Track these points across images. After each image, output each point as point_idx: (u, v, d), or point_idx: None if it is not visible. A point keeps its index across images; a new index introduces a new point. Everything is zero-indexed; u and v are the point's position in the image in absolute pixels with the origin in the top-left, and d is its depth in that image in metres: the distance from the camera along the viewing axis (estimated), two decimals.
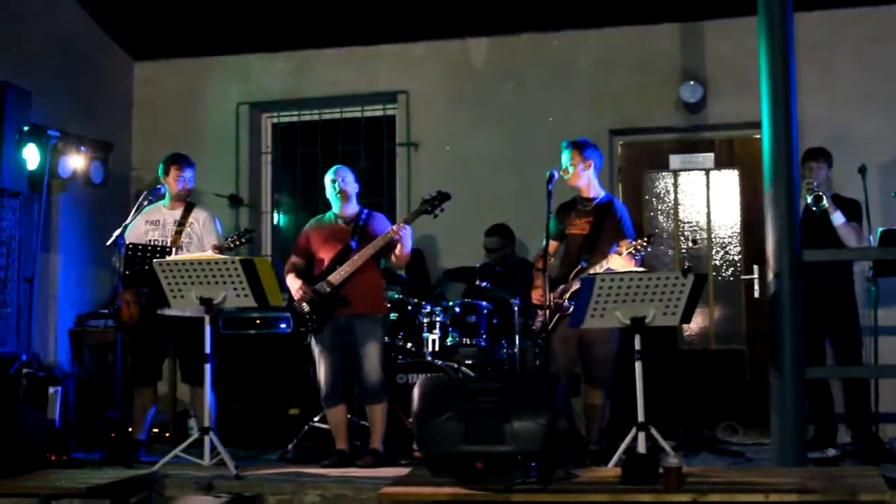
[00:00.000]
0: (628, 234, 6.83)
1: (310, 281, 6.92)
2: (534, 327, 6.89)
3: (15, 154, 7.96)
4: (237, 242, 7.03)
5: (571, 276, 6.69)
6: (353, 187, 7.10)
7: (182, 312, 6.96)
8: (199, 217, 7.35)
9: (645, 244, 6.55)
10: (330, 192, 7.08)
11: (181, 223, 7.28)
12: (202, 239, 7.24)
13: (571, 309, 6.48)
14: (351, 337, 6.81)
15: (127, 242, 7.04)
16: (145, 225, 7.25)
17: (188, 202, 7.42)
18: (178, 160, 7.37)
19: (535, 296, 6.78)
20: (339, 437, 6.94)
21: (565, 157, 6.85)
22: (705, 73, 8.74)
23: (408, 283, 7.93)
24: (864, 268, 7.44)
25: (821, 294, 6.77)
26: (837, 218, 7.01)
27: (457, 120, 9.30)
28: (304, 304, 6.86)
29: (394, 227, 6.81)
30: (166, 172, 7.35)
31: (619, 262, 6.48)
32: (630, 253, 6.53)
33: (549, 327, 6.65)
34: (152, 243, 7.06)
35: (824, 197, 6.98)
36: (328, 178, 7.10)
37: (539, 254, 6.79)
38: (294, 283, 6.94)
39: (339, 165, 7.25)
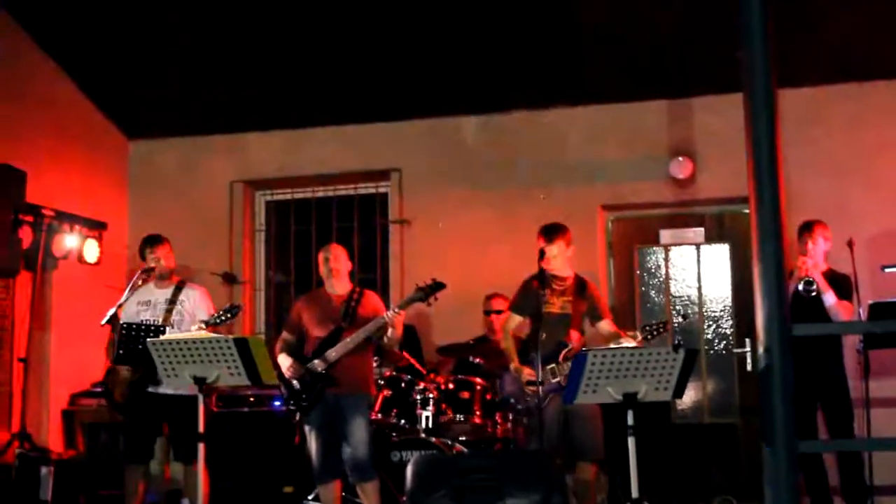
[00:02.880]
0: (605, 313, 7.01)
1: (300, 358, 6.94)
2: (519, 406, 6.88)
3: (9, 234, 8.01)
4: (223, 318, 7.06)
5: (562, 356, 6.71)
6: (345, 265, 7.16)
7: (173, 391, 6.99)
8: (189, 295, 7.39)
9: (662, 330, 6.65)
10: (323, 269, 7.14)
11: (171, 301, 7.32)
12: (193, 316, 7.27)
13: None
14: (339, 415, 6.82)
15: (121, 322, 7.08)
16: (137, 306, 7.28)
17: (179, 280, 7.47)
18: (150, 242, 7.44)
19: (527, 373, 6.80)
20: None
21: (557, 248, 6.88)
22: (694, 148, 8.84)
23: (401, 360, 7.94)
24: (854, 340, 7.46)
25: (811, 368, 6.79)
26: (829, 298, 6.98)
27: (449, 197, 9.37)
28: (295, 381, 6.88)
29: (388, 314, 6.84)
30: (143, 257, 7.43)
31: (632, 344, 6.55)
32: (645, 338, 6.63)
33: (544, 405, 6.68)
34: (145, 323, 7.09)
35: (815, 282, 6.95)
36: (321, 256, 7.17)
37: (508, 333, 6.92)
38: (285, 361, 6.96)
39: (331, 243, 7.33)
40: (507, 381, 7.04)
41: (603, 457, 6.84)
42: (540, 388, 6.66)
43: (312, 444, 6.90)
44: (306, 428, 6.96)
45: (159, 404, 7.11)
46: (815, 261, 7.10)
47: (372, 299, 7.17)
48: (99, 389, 8.44)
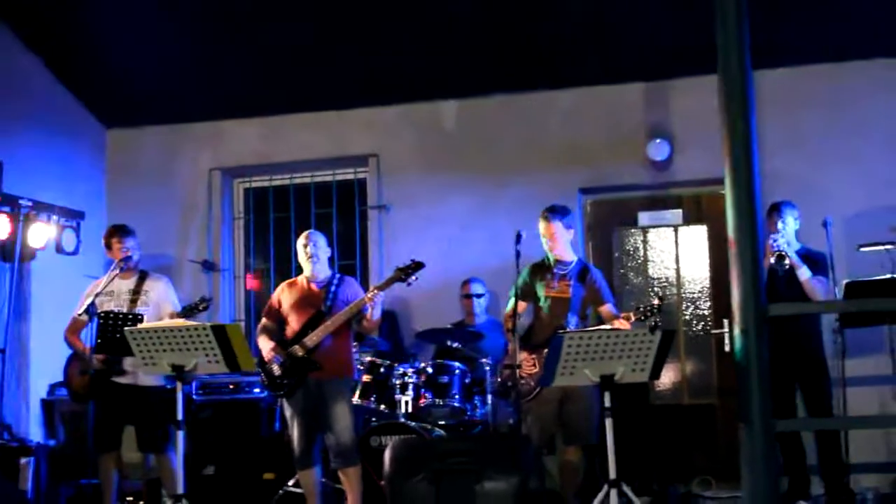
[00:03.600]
0: (608, 298, 6.99)
1: (280, 344, 6.94)
2: (514, 390, 6.91)
3: None
4: (195, 311, 7.07)
5: None
6: (324, 252, 7.16)
7: (135, 381, 7.03)
8: (154, 285, 7.40)
9: (655, 310, 6.66)
10: (301, 256, 7.14)
11: (136, 291, 7.32)
12: (158, 306, 7.27)
13: None
14: (321, 400, 6.84)
15: (80, 313, 7.10)
16: (100, 296, 7.26)
17: (141, 271, 7.47)
18: (117, 232, 7.46)
19: (521, 358, 6.81)
20: (312, 500, 6.93)
21: (554, 227, 6.91)
22: (672, 130, 8.85)
23: (381, 346, 7.96)
24: (830, 320, 7.52)
25: (790, 347, 6.83)
26: (803, 273, 7.07)
27: (428, 181, 9.36)
28: (275, 367, 6.88)
29: (367, 295, 6.86)
30: (108, 246, 7.44)
31: (626, 326, 6.57)
32: (639, 319, 6.64)
33: (535, 391, 6.70)
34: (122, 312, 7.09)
35: (787, 256, 7.03)
36: (300, 242, 7.17)
37: (508, 315, 6.88)
38: (266, 346, 6.97)
39: (310, 230, 7.33)
40: (505, 366, 7.06)
41: (595, 442, 6.78)
42: (534, 371, 6.71)
43: (293, 431, 6.91)
44: (287, 413, 6.97)
45: (123, 394, 7.12)
46: (786, 239, 7.16)
47: (352, 286, 7.19)
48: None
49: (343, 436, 6.82)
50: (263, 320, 7.23)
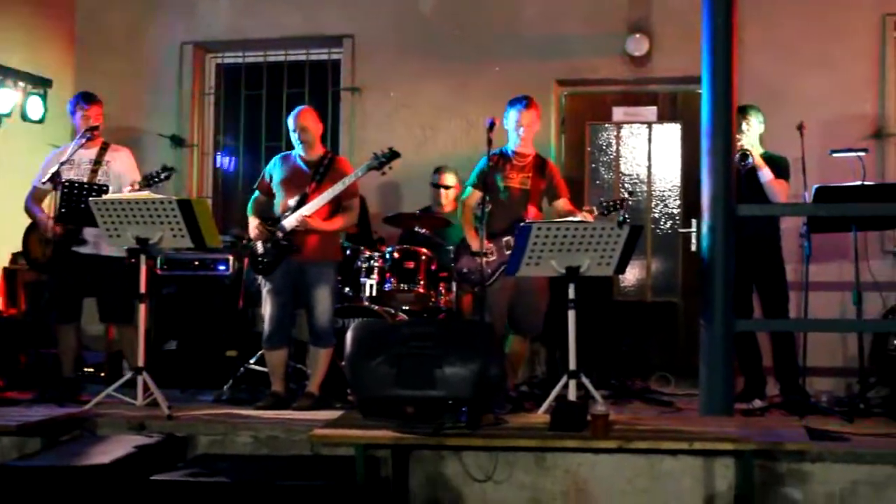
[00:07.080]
0: (563, 192, 7.07)
1: (268, 221, 6.91)
2: (472, 276, 6.93)
3: None
4: (158, 179, 6.99)
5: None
6: (316, 129, 7.00)
7: (97, 251, 6.97)
8: (115, 156, 7.30)
9: (618, 206, 6.75)
10: (293, 135, 7.00)
11: (97, 162, 7.22)
12: (120, 177, 7.18)
13: None
14: (302, 281, 6.85)
15: (44, 181, 7.01)
16: (59, 165, 7.13)
17: (103, 141, 7.36)
18: (82, 99, 7.33)
19: (477, 245, 6.85)
20: (277, 379, 6.94)
21: (531, 115, 6.90)
22: (651, 26, 8.77)
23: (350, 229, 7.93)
24: (794, 224, 7.55)
25: (748, 248, 6.84)
26: (765, 175, 7.06)
27: (402, 66, 9.23)
28: (259, 244, 6.85)
29: (343, 181, 6.80)
30: (73, 112, 7.31)
31: (589, 219, 6.64)
32: (601, 213, 6.74)
33: (492, 277, 6.73)
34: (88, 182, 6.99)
35: (750, 154, 7.03)
36: (292, 122, 6.98)
37: (469, 205, 7.00)
38: (252, 222, 6.95)
39: (301, 106, 7.16)
40: (462, 254, 7.05)
41: (539, 333, 7.01)
42: (492, 259, 6.73)
43: (267, 308, 6.91)
44: (264, 290, 6.95)
45: (83, 264, 7.08)
46: (749, 140, 7.16)
47: (342, 165, 7.09)
48: None
49: (322, 318, 6.84)
50: (256, 193, 7.17)
